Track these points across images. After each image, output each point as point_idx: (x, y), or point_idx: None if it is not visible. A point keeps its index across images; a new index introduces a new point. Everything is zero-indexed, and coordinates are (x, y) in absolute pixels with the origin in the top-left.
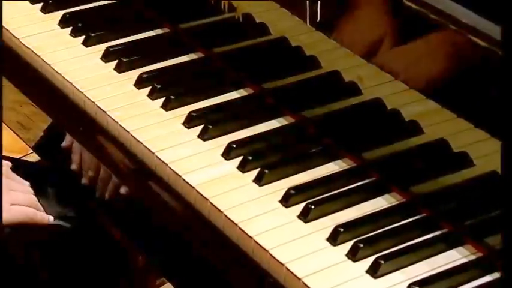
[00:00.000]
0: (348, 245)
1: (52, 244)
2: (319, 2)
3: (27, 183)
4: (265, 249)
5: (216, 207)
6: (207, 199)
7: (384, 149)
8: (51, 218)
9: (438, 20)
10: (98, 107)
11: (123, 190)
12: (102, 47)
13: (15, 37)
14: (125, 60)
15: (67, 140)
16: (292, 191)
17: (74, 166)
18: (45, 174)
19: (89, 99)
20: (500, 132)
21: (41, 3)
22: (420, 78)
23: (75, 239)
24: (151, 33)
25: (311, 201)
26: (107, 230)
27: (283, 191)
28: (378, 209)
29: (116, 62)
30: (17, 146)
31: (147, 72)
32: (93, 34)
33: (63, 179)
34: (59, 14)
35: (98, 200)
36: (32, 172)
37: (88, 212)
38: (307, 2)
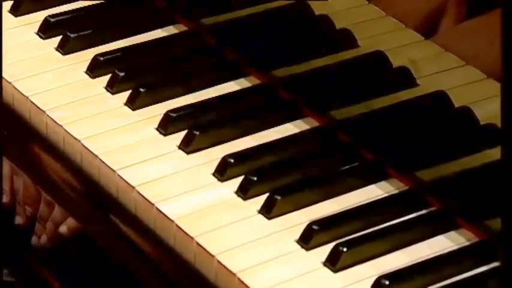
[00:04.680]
0: None
1: None
2: None
3: None
4: None
5: (206, 250)
6: (192, 238)
7: (449, 166)
8: None
9: None
10: (33, 103)
11: (64, 229)
12: (38, 17)
13: None
14: (72, 35)
15: None
16: (315, 227)
17: (4, 199)
18: None
19: (20, 92)
20: None
21: None
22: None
23: None
24: None
25: (342, 242)
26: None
27: (303, 227)
28: (439, 253)
29: (59, 38)
30: None
31: (105, 54)
32: None
33: None
34: None
35: (35, 247)
36: None
37: (22, 263)
38: None
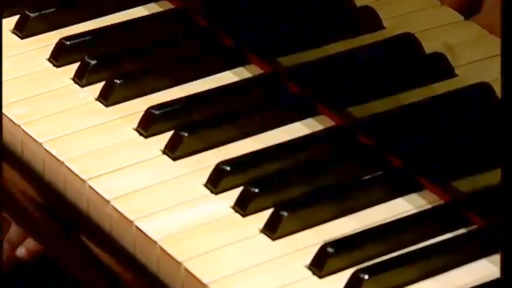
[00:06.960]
0: None
1: None
2: None
3: None
4: None
5: (196, 278)
6: (179, 263)
7: (494, 175)
8: None
9: None
10: None
11: (22, 252)
12: None
13: None
14: (32, 15)
15: None
16: (330, 250)
17: None
18: None
19: None
20: None
21: None
22: None
23: None
24: None
25: (362, 268)
26: None
27: (315, 249)
28: (481, 281)
29: (16, 18)
30: None
31: (72, 37)
32: None
33: None
34: None
35: None
36: None
37: None
38: None
